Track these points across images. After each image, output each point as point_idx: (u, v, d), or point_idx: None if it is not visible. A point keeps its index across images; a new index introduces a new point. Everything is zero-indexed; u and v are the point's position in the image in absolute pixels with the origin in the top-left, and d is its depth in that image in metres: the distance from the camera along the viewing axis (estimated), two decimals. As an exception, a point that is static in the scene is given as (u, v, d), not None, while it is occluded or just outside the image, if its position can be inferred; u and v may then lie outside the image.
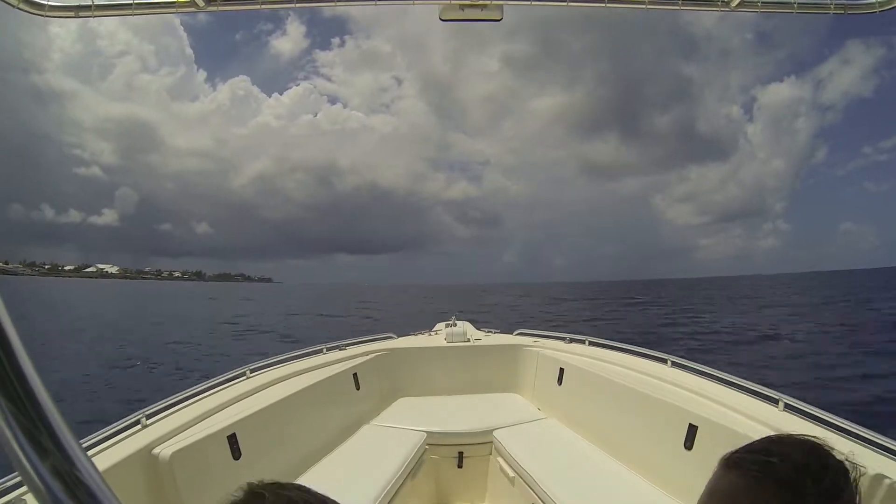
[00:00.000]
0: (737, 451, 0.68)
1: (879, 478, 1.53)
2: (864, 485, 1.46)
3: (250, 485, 0.62)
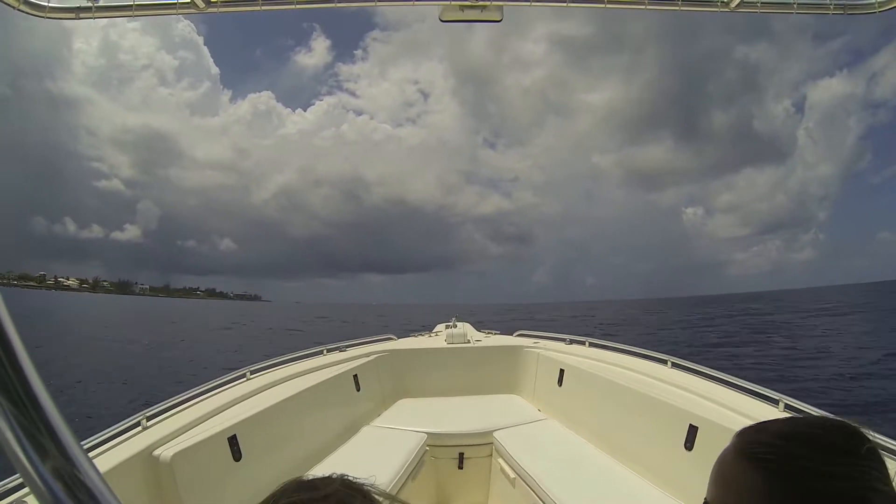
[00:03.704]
0: (749, 437, 0.63)
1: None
2: None
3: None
